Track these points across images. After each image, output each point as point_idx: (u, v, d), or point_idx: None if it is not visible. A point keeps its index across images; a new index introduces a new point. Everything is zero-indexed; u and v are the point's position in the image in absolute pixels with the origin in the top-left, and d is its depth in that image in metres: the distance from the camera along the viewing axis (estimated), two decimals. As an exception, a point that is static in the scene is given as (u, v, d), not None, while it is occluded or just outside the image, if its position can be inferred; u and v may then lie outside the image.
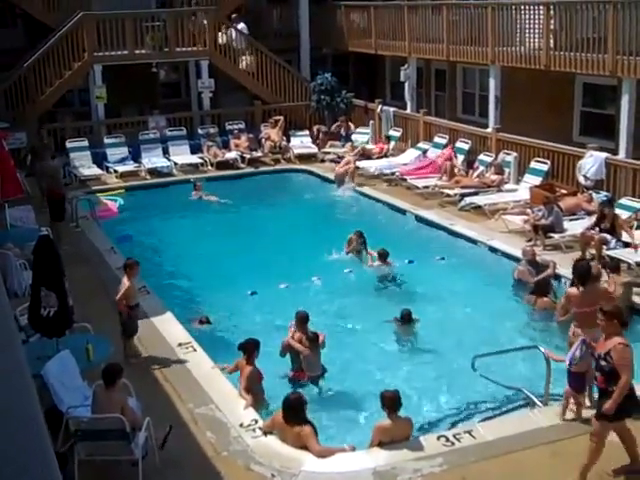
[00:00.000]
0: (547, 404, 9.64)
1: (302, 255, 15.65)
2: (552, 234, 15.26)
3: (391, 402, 8.64)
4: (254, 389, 9.95)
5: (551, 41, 18.32)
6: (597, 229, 14.47)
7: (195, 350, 11.33)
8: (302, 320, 11.14)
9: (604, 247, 14.10)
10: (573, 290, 10.66)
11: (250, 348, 10.15)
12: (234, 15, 25.84)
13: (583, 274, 10.57)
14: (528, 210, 16.40)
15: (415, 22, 23.04)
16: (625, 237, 14.38)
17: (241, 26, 25.52)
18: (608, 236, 14.18)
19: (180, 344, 11.52)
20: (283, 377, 11.00)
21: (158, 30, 24.25)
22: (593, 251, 14.27)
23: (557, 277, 13.78)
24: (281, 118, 24.53)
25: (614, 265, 12.84)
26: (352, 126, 24.19)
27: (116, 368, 8.75)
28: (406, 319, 12.18)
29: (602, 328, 8.16)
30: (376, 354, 11.78)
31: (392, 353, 11.93)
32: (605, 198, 16.05)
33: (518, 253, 14.57)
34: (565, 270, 13.67)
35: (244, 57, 25.29)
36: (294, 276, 14.48)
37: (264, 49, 25.54)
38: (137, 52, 24.08)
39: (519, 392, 10.10)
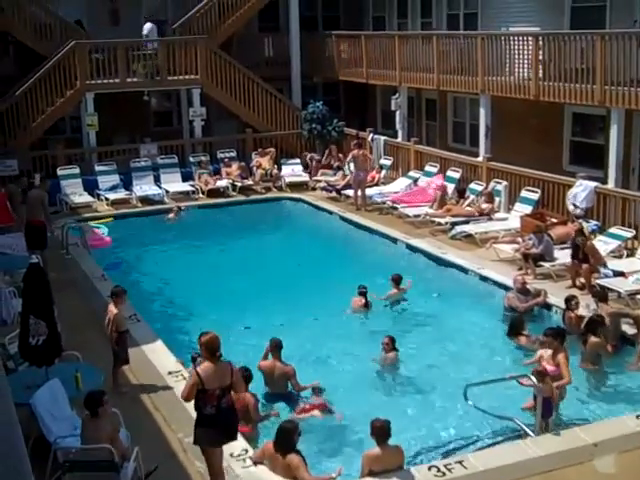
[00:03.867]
0: (539, 434, 9.61)
1: (297, 286, 15.61)
2: (542, 263, 15.30)
3: (380, 431, 8.61)
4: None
5: (540, 71, 18.46)
6: (575, 261, 14.56)
7: (185, 378, 11.24)
8: (276, 346, 11.18)
9: (594, 276, 14.16)
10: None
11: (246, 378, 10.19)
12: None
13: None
14: (519, 239, 16.45)
15: (406, 52, 23.20)
16: (616, 265, 14.46)
17: (148, 26, 25.02)
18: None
19: (170, 372, 11.47)
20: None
21: (149, 58, 24.37)
22: (583, 280, 14.33)
23: (548, 306, 13.82)
24: (272, 150, 24.61)
25: (603, 295, 12.86)
26: (341, 157, 24.13)
27: (96, 396, 8.61)
28: (390, 346, 12.12)
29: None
30: (366, 382, 11.74)
31: (383, 382, 11.89)
32: (595, 227, 16.15)
33: (509, 281, 14.62)
34: (556, 299, 13.73)
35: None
36: (288, 308, 14.36)
37: (255, 77, 25.67)
38: (129, 80, 24.16)
39: (511, 422, 10.07)
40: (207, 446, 8.40)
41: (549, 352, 10.60)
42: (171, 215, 20.99)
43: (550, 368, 10.25)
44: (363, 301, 14.29)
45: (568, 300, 12.91)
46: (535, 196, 18.20)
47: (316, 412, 10.67)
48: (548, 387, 9.83)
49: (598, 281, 13.94)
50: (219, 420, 8.23)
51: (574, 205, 17.07)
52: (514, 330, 12.71)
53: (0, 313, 13.10)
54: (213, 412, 8.18)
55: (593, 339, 11.59)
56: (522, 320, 12.93)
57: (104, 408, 8.57)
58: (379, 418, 8.80)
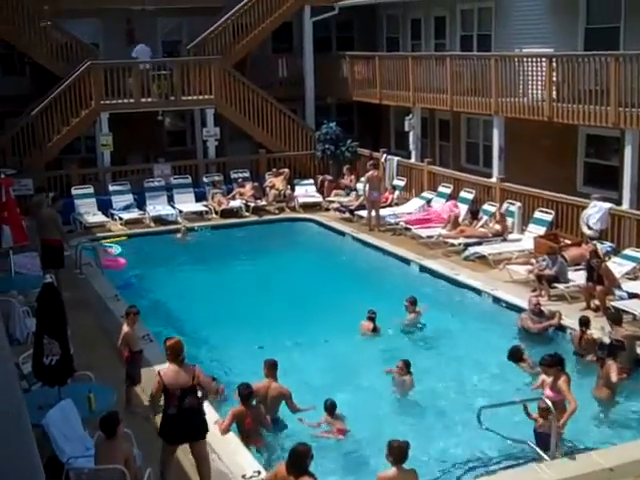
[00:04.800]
0: (554, 458, 9.53)
1: (309, 307, 15.59)
2: (556, 284, 15.24)
3: (398, 451, 8.44)
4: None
5: (554, 93, 18.46)
6: (590, 283, 14.48)
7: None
8: (271, 367, 11.12)
9: (608, 298, 14.08)
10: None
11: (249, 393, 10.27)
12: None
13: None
14: (532, 260, 16.38)
15: (419, 73, 23.26)
16: (630, 287, 14.37)
17: (139, 49, 25.03)
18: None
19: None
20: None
21: (164, 79, 24.52)
22: (598, 302, 14.25)
23: (562, 328, 13.74)
24: (286, 170, 24.68)
25: (617, 317, 12.76)
26: (352, 178, 24.19)
27: (114, 418, 8.63)
28: (404, 369, 12.06)
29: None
30: (379, 404, 11.69)
31: (395, 403, 11.83)
32: (610, 249, 16.07)
33: (522, 303, 14.56)
34: (570, 321, 13.65)
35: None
36: (302, 330, 14.36)
37: (269, 98, 25.79)
38: (143, 100, 24.31)
39: (526, 445, 10.00)
40: (167, 443, 9.00)
41: (551, 378, 10.52)
42: (179, 235, 21.07)
43: (550, 394, 10.16)
44: (372, 326, 14.26)
45: (583, 322, 12.84)
46: (549, 217, 18.15)
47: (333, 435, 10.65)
48: (548, 424, 9.80)
49: (613, 303, 13.88)
50: (180, 420, 8.78)
51: (588, 226, 17.00)
52: (513, 358, 12.58)
53: (14, 332, 13.12)
54: (175, 412, 8.78)
55: (611, 363, 11.47)
56: (520, 347, 12.76)
57: (119, 428, 8.58)
58: (397, 439, 8.69)
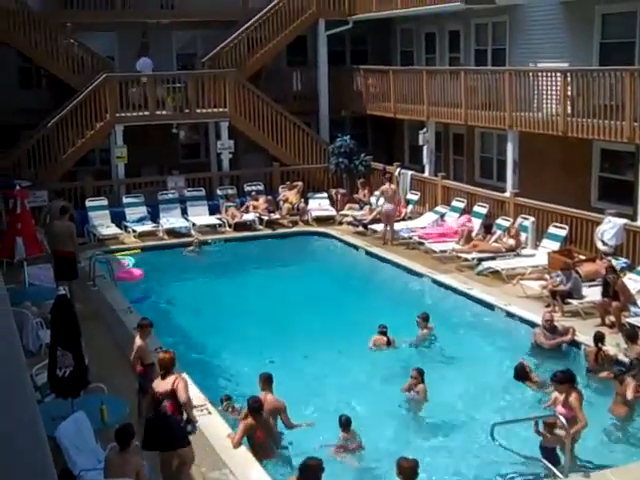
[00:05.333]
0: (567, 475, 9.45)
1: (322, 320, 15.57)
2: (570, 300, 15.15)
3: (409, 472, 8.42)
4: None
5: (568, 107, 18.42)
6: (605, 299, 14.40)
7: (210, 413, 11.23)
8: (267, 380, 11.01)
9: (624, 314, 13.99)
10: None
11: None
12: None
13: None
14: (546, 275, 16.31)
15: (434, 87, 23.27)
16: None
17: (142, 62, 25.10)
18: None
19: (195, 406, 11.40)
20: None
21: (179, 91, 24.62)
22: (613, 318, 14.16)
23: (576, 344, 13.65)
24: (300, 183, 24.71)
25: (633, 333, 12.68)
26: (365, 192, 24.20)
27: (130, 430, 8.66)
28: (418, 377, 12.02)
29: None
30: (390, 419, 11.64)
31: (407, 419, 11.78)
32: (625, 265, 15.97)
33: (536, 318, 14.49)
34: (585, 337, 13.57)
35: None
36: (314, 343, 14.33)
37: (284, 111, 25.85)
38: (158, 113, 24.42)
39: (538, 462, 9.93)
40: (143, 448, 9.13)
41: (563, 395, 10.42)
42: (190, 248, 21.09)
43: (562, 411, 10.08)
44: (385, 340, 14.24)
45: (598, 338, 12.76)
46: (563, 232, 18.07)
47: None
48: (554, 438, 9.79)
49: (628, 320, 13.78)
50: (155, 426, 9.13)
51: (603, 242, 16.91)
52: (519, 377, 12.50)
53: (27, 343, 13.15)
54: (151, 416, 9.38)
55: (630, 380, 11.37)
56: (525, 364, 12.66)
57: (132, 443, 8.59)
58: (406, 457, 8.63)
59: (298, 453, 10.20)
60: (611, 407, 11.42)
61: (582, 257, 17.06)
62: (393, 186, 21.87)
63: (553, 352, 13.60)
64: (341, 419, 10.86)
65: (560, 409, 10.13)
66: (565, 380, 10.28)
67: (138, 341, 11.29)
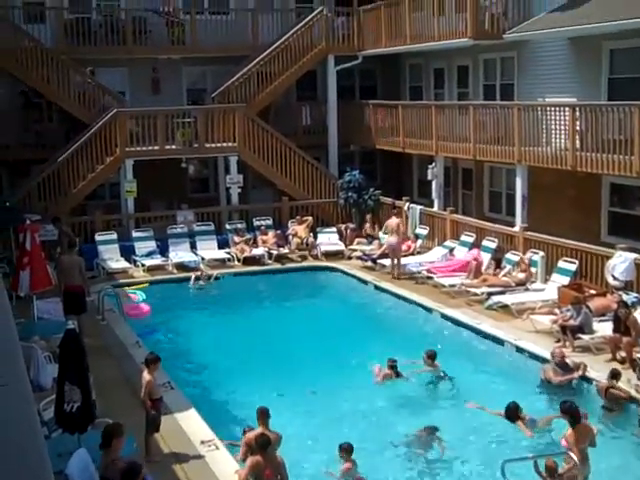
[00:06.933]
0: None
1: (330, 354, 15.51)
2: (581, 335, 15.05)
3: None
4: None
5: (577, 142, 18.44)
6: (616, 334, 14.29)
7: (218, 448, 11.15)
8: (263, 414, 10.86)
9: (635, 349, 13.88)
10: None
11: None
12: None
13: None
14: (556, 310, 16.21)
15: (442, 121, 23.34)
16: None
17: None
18: None
19: (203, 442, 11.35)
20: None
21: (188, 126, 24.76)
22: (624, 354, 14.05)
23: (587, 380, 13.53)
24: (309, 218, 24.73)
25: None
26: (375, 227, 24.22)
27: (137, 469, 8.57)
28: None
29: None
30: (398, 454, 11.55)
31: (415, 455, 11.66)
32: (635, 299, 15.87)
33: (545, 354, 14.39)
34: (595, 373, 13.45)
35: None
36: (322, 378, 14.29)
37: (293, 145, 25.95)
38: (167, 147, 24.54)
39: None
40: None
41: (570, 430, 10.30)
42: (199, 281, 21.06)
43: (565, 444, 9.98)
44: (393, 374, 14.20)
45: (613, 375, 12.62)
46: (573, 267, 17.99)
47: None
48: None
49: (639, 355, 13.67)
50: None
51: (613, 277, 16.83)
52: (509, 416, 12.27)
53: (36, 378, 13.09)
54: None
55: None
56: (516, 405, 12.39)
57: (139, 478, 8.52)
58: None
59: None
60: None
61: (592, 292, 16.96)
62: (397, 220, 21.86)
63: (562, 388, 13.46)
64: (342, 445, 10.78)
65: (563, 442, 10.05)
66: (565, 411, 10.30)
67: (147, 377, 11.23)
